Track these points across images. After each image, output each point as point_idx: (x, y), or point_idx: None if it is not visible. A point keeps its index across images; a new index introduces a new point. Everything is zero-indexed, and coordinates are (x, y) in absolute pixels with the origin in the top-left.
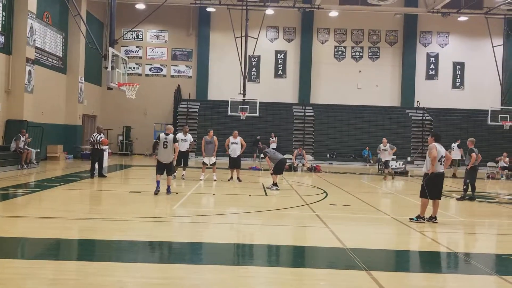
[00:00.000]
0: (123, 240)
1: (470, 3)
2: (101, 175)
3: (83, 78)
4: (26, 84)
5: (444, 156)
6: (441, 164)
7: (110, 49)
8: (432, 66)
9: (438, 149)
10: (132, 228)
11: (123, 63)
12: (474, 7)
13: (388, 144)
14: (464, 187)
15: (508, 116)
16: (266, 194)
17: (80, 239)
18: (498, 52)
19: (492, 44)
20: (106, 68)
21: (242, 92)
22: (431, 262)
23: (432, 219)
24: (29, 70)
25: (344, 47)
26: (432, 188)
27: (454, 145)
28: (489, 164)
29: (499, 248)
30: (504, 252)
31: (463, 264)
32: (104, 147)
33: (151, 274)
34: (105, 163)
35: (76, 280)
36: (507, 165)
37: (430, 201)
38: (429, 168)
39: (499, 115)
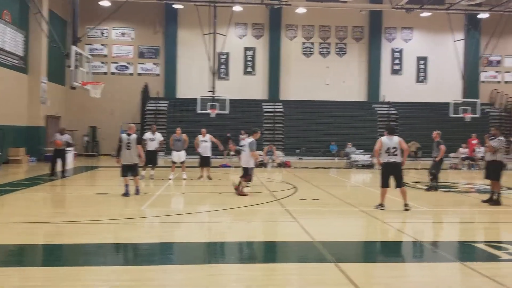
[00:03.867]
0: (91, 243)
1: None
2: (63, 176)
3: (46, 78)
4: None
5: (395, 148)
6: (389, 155)
7: (73, 48)
8: (397, 61)
9: (383, 141)
10: (99, 230)
11: (87, 62)
12: (436, 3)
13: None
14: (430, 177)
15: (469, 108)
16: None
17: (46, 244)
18: (459, 47)
19: (453, 39)
20: (69, 67)
21: (211, 90)
22: (397, 252)
23: (405, 206)
24: None
25: (312, 43)
26: (382, 177)
27: None
28: (452, 155)
29: (462, 235)
30: (466, 240)
31: (428, 253)
32: (67, 149)
33: (121, 276)
34: (69, 164)
35: (44, 286)
36: (467, 155)
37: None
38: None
39: (461, 108)
